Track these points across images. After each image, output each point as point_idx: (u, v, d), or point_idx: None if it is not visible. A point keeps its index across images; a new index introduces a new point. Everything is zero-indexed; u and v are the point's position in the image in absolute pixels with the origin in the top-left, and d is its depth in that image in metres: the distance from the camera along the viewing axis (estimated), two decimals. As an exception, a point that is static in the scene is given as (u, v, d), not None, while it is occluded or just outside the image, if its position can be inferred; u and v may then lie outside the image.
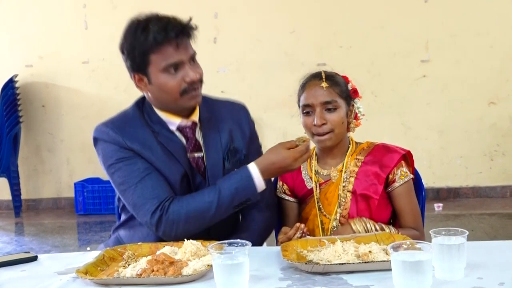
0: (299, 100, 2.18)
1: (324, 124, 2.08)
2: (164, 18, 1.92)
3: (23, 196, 6.30)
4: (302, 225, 1.93)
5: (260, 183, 1.91)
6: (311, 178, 2.19)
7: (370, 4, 5.93)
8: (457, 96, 5.90)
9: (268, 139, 6.15)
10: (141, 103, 2.09)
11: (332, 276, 1.59)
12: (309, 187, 2.18)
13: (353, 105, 2.17)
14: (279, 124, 6.04)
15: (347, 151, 2.18)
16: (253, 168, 1.91)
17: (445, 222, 4.94)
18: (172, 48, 1.89)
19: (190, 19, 1.97)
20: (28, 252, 1.94)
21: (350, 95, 2.16)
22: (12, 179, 6.08)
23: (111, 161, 1.98)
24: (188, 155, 2.02)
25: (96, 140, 2.03)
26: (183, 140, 2.03)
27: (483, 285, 1.49)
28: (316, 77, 2.15)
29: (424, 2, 5.85)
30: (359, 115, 2.19)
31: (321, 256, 1.70)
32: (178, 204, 1.90)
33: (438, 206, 5.55)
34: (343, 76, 2.19)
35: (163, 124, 2.01)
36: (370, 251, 1.68)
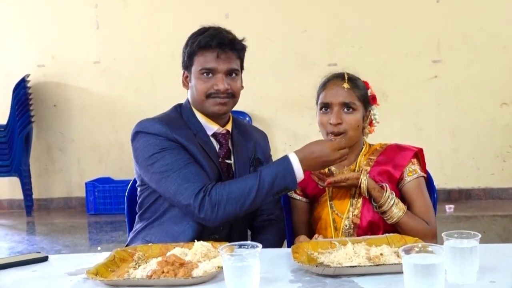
0: (317, 98, 2.20)
1: (339, 124, 2.08)
2: (220, 29, 2.09)
3: (34, 196, 6.33)
4: (320, 237, 1.95)
5: (299, 171, 1.95)
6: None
7: (381, 4, 5.91)
8: (469, 97, 5.87)
9: (278, 139, 6.17)
10: (179, 107, 2.20)
11: (343, 278, 1.58)
12: (321, 187, 2.17)
13: (370, 111, 2.17)
14: (289, 124, 6.03)
15: (360, 152, 2.19)
16: (293, 156, 1.96)
17: (456, 224, 4.91)
18: (212, 56, 2.05)
19: (243, 39, 2.14)
20: (39, 252, 1.95)
21: (368, 101, 2.17)
22: (23, 178, 6.11)
23: (155, 150, 2.02)
24: (220, 160, 2.11)
25: (137, 134, 2.08)
26: (217, 146, 2.13)
27: (496, 289, 1.47)
28: (338, 77, 2.17)
29: (436, 2, 5.82)
30: (374, 122, 2.20)
31: (332, 259, 1.69)
32: (221, 187, 1.96)
33: (449, 208, 5.52)
34: (364, 81, 2.19)
35: (201, 128, 2.12)
36: (381, 254, 1.67)
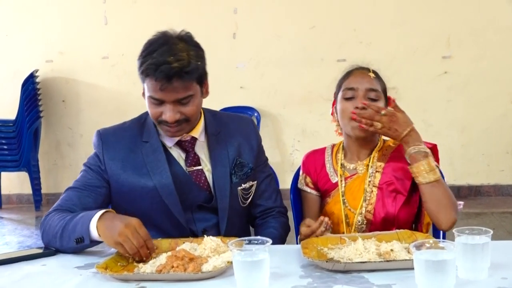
0: (339, 88, 2.16)
1: (364, 108, 2.04)
2: (166, 54, 1.88)
3: (43, 190, 6.36)
4: (326, 219, 1.90)
5: (94, 229, 1.80)
6: (336, 171, 2.17)
7: (391, -1, 5.89)
8: (478, 93, 5.84)
9: (287, 135, 6.17)
10: (143, 117, 2.13)
11: (353, 274, 1.57)
12: (334, 181, 2.16)
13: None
14: (298, 120, 6.02)
15: (375, 147, 2.16)
16: (98, 214, 1.82)
17: (466, 221, 4.89)
18: (158, 86, 1.88)
19: (191, 63, 1.89)
20: (48, 247, 1.95)
21: (387, 98, 2.17)
22: (32, 173, 6.14)
23: (84, 162, 2.11)
24: (187, 168, 2.06)
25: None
26: (183, 154, 2.07)
27: (507, 285, 1.46)
28: (363, 68, 2.17)
29: (445, -3, 5.80)
30: None
31: (342, 254, 1.68)
32: (48, 217, 1.95)
33: (459, 204, 5.46)
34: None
35: (155, 137, 2.06)
36: (391, 250, 1.66)
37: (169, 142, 2.06)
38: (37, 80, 6.23)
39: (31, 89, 6.10)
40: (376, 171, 2.11)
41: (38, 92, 6.24)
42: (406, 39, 5.85)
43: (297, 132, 6.08)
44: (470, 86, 5.85)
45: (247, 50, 6.07)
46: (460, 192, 5.89)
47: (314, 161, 2.25)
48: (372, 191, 2.10)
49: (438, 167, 2.04)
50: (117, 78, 6.25)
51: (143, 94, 1.99)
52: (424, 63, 5.84)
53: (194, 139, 2.06)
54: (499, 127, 5.86)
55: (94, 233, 1.80)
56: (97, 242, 1.83)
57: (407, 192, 2.08)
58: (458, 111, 5.88)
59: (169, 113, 1.91)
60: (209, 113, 2.17)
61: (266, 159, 2.27)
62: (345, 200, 2.13)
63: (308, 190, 2.24)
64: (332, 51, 5.93)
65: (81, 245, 1.83)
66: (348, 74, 2.16)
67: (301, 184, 2.26)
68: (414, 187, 2.08)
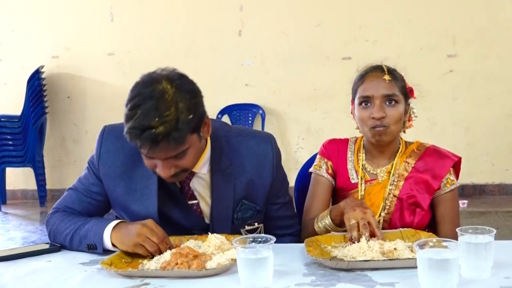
0: (354, 92, 2.06)
1: (383, 117, 1.97)
2: (151, 114, 1.64)
3: (48, 186, 6.38)
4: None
5: (107, 238, 1.81)
6: (356, 172, 2.11)
7: (396, -3, 5.88)
8: (484, 92, 5.83)
9: (291, 133, 6.16)
10: None
11: (356, 272, 1.58)
12: (353, 182, 2.10)
13: (409, 104, 2.08)
14: (303, 118, 6.02)
15: (397, 152, 2.09)
16: (111, 224, 1.83)
17: (470, 219, 4.89)
18: (144, 149, 1.70)
19: (178, 123, 1.65)
20: (53, 243, 1.96)
21: (407, 93, 2.07)
22: (37, 169, 6.16)
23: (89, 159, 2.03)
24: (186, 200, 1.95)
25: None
26: (176, 187, 1.93)
27: (510, 284, 1.46)
28: (377, 69, 2.04)
29: (451, -5, 5.78)
30: (412, 116, 2.09)
31: (346, 253, 1.68)
32: (55, 216, 1.96)
33: (463, 203, 5.49)
34: (400, 74, 2.10)
35: None
36: (395, 248, 1.66)
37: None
38: (43, 76, 6.24)
39: (36, 85, 6.12)
40: (398, 180, 2.06)
41: (44, 88, 6.25)
42: (411, 37, 5.85)
43: (302, 129, 6.08)
44: (475, 84, 5.84)
45: (253, 47, 6.07)
46: (465, 191, 5.87)
47: (338, 151, 2.16)
48: (391, 200, 2.05)
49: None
50: (123, 75, 6.26)
51: None
52: (429, 61, 5.83)
53: (191, 174, 1.90)
54: (503, 126, 5.85)
55: (107, 242, 1.81)
56: (110, 251, 1.81)
57: (427, 207, 2.05)
58: (463, 109, 5.87)
59: (161, 171, 1.74)
60: (220, 140, 1.94)
61: (286, 184, 2.09)
62: None
63: (326, 175, 2.14)
64: (338, 49, 5.93)
65: (93, 251, 1.85)
66: (362, 78, 2.05)
67: (318, 169, 2.15)
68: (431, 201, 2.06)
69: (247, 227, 1.99)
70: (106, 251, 1.82)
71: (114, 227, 1.81)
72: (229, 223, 1.96)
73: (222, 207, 1.94)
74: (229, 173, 1.93)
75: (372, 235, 1.74)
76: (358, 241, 1.71)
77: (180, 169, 1.76)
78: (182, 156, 1.73)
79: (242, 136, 1.99)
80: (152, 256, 1.75)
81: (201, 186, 1.95)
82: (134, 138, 1.67)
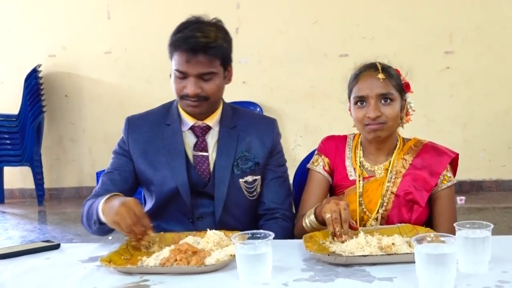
0: (350, 92, 2.08)
1: (378, 117, 1.98)
2: (197, 29, 2.01)
3: (46, 185, 6.37)
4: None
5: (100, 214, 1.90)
6: (354, 169, 2.11)
7: (393, -6, 5.89)
8: (481, 89, 5.84)
9: (289, 131, 6.16)
10: (171, 102, 2.22)
11: (355, 267, 1.59)
12: (351, 179, 2.11)
13: (405, 100, 2.08)
14: (300, 115, 6.03)
15: (394, 149, 2.10)
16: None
17: (467, 216, 4.89)
18: (183, 59, 2.00)
19: (217, 41, 2.01)
20: (51, 241, 1.96)
21: (403, 89, 2.08)
22: (35, 168, 6.16)
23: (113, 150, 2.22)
24: (193, 153, 2.13)
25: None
26: (194, 139, 2.13)
27: (508, 278, 1.47)
28: (371, 67, 2.06)
29: (448, -8, 5.79)
30: (409, 110, 2.10)
31: (344, 248, 1.69)
32: (86, 204, 2.04)
33: (460, 199, 5.50)
34: (395, 69, 2.11)
35: (176, 120, 2.15)
36: (393, 243, 1.67)
37: (184, 127, 2.14)
38: (40, 75, 6.24)
39: (34, 84, 6.11)
40: (396, 177, 2.06)
41: (41, 87, 6.24)
42: (408, 34, 5.85)
43: (299, 127, 6.09)
44: (473, 81, 5.85)
45: (250, 45, 6.07)
46: (462, 187, 5.89)
47: (336, 148, 2.18)
48: (389, 197, 2.05)
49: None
50: (120, 73, 6.26)
51: (170, 75, 2.09)
52: (426, 59, 5.83)
53: (207, 127, 2.13)
54: (501, 122, 5.86)
55: (101, 216, 1.88)
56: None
57: (425, 204, 2.05)
58: (460, 106, 5.88)
59: (191, 87, 2.00)
60: (229, 106, 2.22)
61: (284, 161, 2.24)
62: (362, 202, 2.07)
63: (323, 172, 2.16)
64: (335, 46, 5.94)
65: (100, 228, 1.92)
66: (356, 77, 2.06)
67: (315, 165, 2.18)
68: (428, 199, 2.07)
69: (245, 178, 2.13)
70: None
71: (104, 202, 1.88)
72: (227, 174, 2.10)
73: (224, 156, 2.12)
74: (234, 131, 2.16)
75: (352, 228, 1.78)
76: (339, 237, 1.75)
77: (204, 94, 2.02)
78: (209, 79, 2.01)
79: (248, 113, 2.31)
80: (133, 242, 1.80)
81: (213, 141, 2.14)
82: (178, 45, 1.99)
